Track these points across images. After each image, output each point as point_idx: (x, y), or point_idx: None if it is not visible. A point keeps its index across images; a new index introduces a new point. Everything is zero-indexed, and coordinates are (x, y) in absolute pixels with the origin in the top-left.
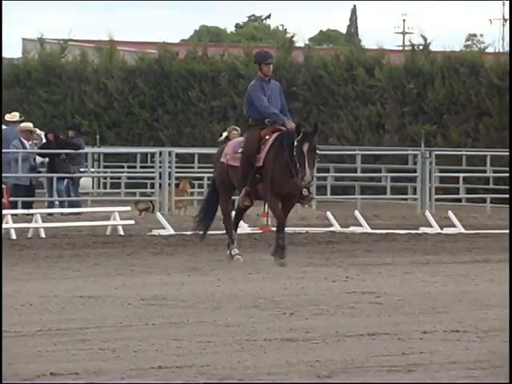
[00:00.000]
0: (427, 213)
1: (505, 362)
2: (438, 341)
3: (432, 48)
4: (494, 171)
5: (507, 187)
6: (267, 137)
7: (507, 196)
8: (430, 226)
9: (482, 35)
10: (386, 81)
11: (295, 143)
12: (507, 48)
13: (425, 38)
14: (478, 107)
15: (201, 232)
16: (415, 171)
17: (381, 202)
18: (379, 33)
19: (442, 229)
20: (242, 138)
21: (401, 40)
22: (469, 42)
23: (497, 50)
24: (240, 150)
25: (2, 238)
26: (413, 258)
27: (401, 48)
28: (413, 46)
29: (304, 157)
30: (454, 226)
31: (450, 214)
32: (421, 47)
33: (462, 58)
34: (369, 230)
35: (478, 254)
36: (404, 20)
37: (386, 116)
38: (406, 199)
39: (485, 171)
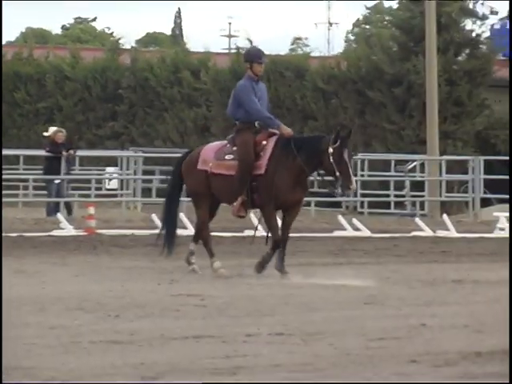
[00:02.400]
0: (252, 215)
1: (330, 365)
2: (263, 344)
3: None
4: (319, 174)
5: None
6: (264, 142)
7: (331, 199)
8: (256, 228)
9: (306, 39)
10: (211, 83)
11: (331, 150)
12: (332, 52)
13: (250, 41)
14: (303, 111)
15: (169, 249)
16: None
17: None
18: (205, 35)
19: (267, 232)
20: (220, 143)
21: (227, 43)
22: (294, 46)
23: (322, 54)
24: (228, 157)
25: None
26: (238, 261)
27: (227, 51)
28: (238, 48)
29: (346, 164)
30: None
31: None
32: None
33: (287, 61)
34: (193, 234)
35: (302, 257)
36: (230, 23)
37: (212, 119)
38: None
39: None
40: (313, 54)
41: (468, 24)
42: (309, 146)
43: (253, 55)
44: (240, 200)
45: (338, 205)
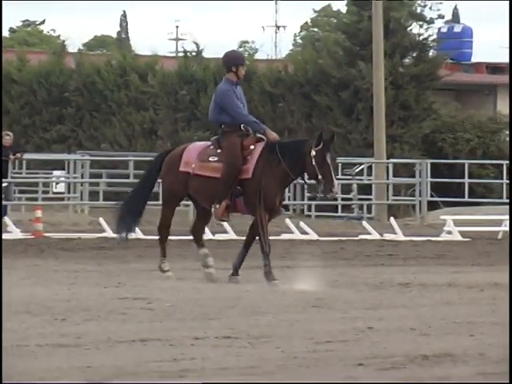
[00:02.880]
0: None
1: (277, 369)
2: (210, 347)
3: (205, 54)
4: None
5: None
6: (252, 146)
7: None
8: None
9: (254, 42)
10: (159, 87)
11: (313, 153)
12: (279, 55)
13: (197, 45)
14: (250, 114)
15: (123, 235)
16: None
17: (153, 208)
18: (152, 39)
19: (213, 235)
20: (203, 144)
21: (174, 46)
22: (241, 49)
23: (269, 57)
24: (212, 159)
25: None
26: (185, 264)
27: (174, 54)
28: (186, 52)
29: (329, 167)
30: (226, 232)
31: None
32: (194, 53)
33: None
34: (141, 236)
35: (250, 261)
36: (177, 26)
37: (159, 122)
38: (178, 205)
39: None
40: (260, 57)
41: (415, 28)
42: (292, 150)
43: (237, 58)
44: (224, 204)
45: (285, 208)
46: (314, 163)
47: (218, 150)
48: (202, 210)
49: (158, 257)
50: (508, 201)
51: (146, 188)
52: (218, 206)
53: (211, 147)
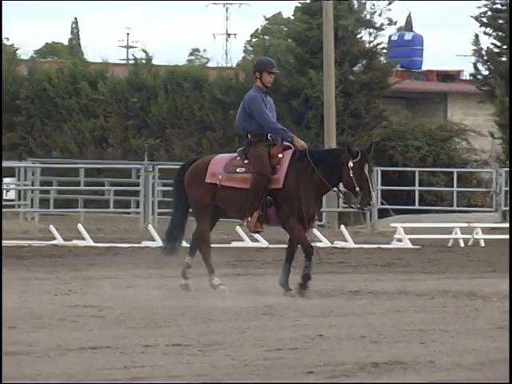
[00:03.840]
0: (150, 226)
1: (227, 376)
2: (160, 354)
3: (155, 62)
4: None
5: None
6: (280, 155)
7: None
8: (153, 239)
9: (205, 50)
10: (109, 94)
11: (351, 164)
12: (230, 63)
13: (148, 53)
14: (201, 121)
15: (171, 251)
16: (138, 185)
17: (104, 216)
18: (103, 46)
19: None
20: (228, 156)
21: (125, 53)
22: (192, 57)
23: (220, 65)
24: (240, 170)
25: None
26: (135, 272)
27: (125, 62)
28: (136, 59)
29: (367, 179)
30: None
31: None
32: (144, 61)
33: (185, 72)
34: (92, 244)
35: (200, 268)
36: (128, 34)
37: (110, 129)
38: (129, 213)
39: None
40: (211, 65)
41: (365, 35)
42: (327, 160)
43: (263, 64)
44: (256, 215)
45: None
46: (351, 175)
47: (245, 161)
48: (213, 221)
49: (207, 274)
50: (458, 208)
51: (181, 200)
52: (249, 218)
53: (237, 158)
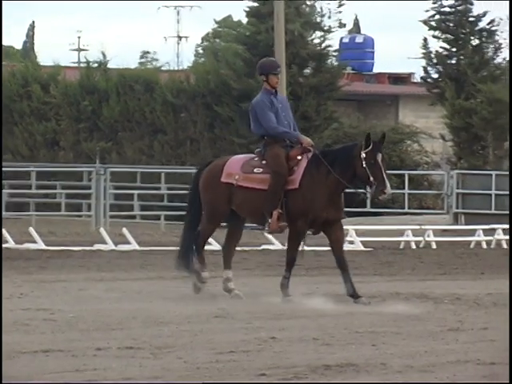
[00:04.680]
0: (102, 229)
1: (180, 379)
2: (112, 357)
3: (107, 65)
4: (169, 188)
5: (181, 204)
6: (299, 157)
7: (181, 213)
8: (105, 242)
9: (155, 53)
10: (61, 97)
11: (363, 155)
12: (181, 66)
13: (106, 55)
14: (152, 124)
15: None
16: (90, 188)
17: (56, 219)
18: (55, 49)
19: (116, 246)
20: (245, 156)
21: (76, 57)
22: (143, 60)
23: (171, 68)
24: (258, 170)
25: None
26: (87, 275)
27: (76, 65)
28: (88, 62)
29: (380, 168)
30: (128, 242)
31: (125, 230)
32: (96, 64)
33: (136, 75)
34: (43, 247)
35: (152, 271)
36: (79, 37)
37: (62, 132)
38: (80, 216)
39: (159, 188)
40: (162, 68)
41: (316, 38)
42: (341, 157)
43: (268, 66)
44: (276, 214)
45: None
46: (364, 165)
47: (263, 162)
48: (233, 228)
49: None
50: (409, 210)
51: (195, 212)
52: (269, 220)
53: (255, 159)
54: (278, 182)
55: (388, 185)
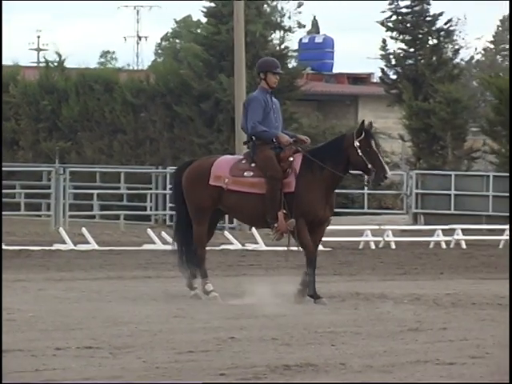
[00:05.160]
0: (61, 229)
1: (139, 379)
2: (71, 357)
3: (67, 65)
4: (128, 188)
5: (140, 204)
6: (290, 158)
7: (140, 213)
8: (64, 242)
9: (114, 52)
10: (20, 97)
11: (357, 143)
12: (141, 66)
13: (59, 55)
14: (112, 124)
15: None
16: (49, 188)
17: (15, 219)
18: (14, 49)
19: (75, 245)
20: (232, 158)
21: (35, 56)
22: (103, 59)
23: (131, 68)
24: (248, 174)
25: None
26: (47, 275)
27: (36, 64)
28: (47, 62)
29: (376, 154)
30: (87, 242)
31: (84, 230)
32: (55, 64)
33: (96, 74)
34: (3, 247)
35: (111, 271)
36: (39, 36)
37: (21, 132)
38: (40, 215)
39: (119, 188)
40: (122, 68)
41: (275, 39)
42: (331, 150)
43: (268, 65)
44: (281, 214)
45: (147, 218)
46: (360, 154)
47: (253, 164)
48: (211, 226)
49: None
50: (369, 210)
51: (182, 209)
52: (276, 223)
53: (243, 161)
54: (275, 186)
55: (387, 169)
